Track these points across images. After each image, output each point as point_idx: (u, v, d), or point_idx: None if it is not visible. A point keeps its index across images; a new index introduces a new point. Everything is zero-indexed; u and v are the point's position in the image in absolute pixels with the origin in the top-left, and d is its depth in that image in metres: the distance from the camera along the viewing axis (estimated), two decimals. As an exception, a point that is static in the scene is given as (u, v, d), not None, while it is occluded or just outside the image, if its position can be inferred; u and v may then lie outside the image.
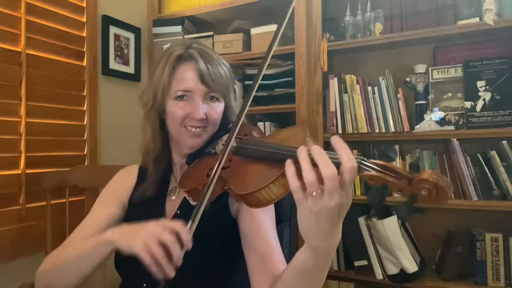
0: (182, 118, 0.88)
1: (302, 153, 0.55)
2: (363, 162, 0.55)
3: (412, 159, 1.68)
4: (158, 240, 0.66)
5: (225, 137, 0.89)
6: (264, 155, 0.72)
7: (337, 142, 0.53)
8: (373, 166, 0.55)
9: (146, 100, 0.94)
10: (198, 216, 0.71)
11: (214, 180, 0.72)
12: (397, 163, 1.65)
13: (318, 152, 0.54)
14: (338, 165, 0.53)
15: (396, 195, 0.55)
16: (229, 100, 0.96)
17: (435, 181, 0.51)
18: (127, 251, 0.71)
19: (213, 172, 0.73)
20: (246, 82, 1.93)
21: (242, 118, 0.75)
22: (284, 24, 0.76)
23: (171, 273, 0.66)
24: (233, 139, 0.76)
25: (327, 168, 0.52)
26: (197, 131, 0.88)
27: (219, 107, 0.92)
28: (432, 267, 1.66)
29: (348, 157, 0.52)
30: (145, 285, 0.85)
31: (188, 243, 0.67)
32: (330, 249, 0.60)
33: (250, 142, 0.79)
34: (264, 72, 0.78)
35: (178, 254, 0.66)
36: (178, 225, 0.68)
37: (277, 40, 0.77)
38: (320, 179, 0.52)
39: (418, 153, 1.67)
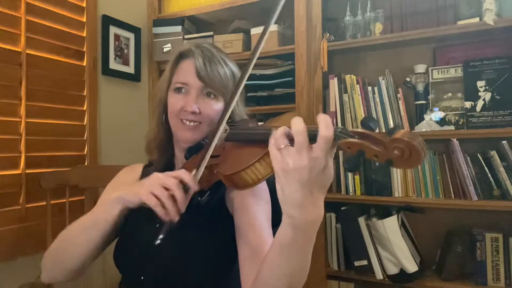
0: (178, 110, 0.91)
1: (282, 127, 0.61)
2: (341, 130, 0.57)
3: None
4: (162, 185, 0.74)
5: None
6: (252, 137, 0.74)
7: (321, 117, 0.58)
8: (350, 133, 0.56)
9: (155, 94, 1.01)
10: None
11: (205, 161, 0.74)
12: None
13: (295, 118, 0.59)
14: (316, 133, 0.56)
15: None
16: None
17: (408, 140, 0.49)
18: (134, 201, 0.78)
19: (203, 155, 0.75)
20: (247, 82, 1.93)
21: (232, 105, 0.79)
22: (273, 21, 0.80)
23: (175, 216, 0.73)
24: (223, 124, 0.77)
25: (296, 124, 0.57)
26: (190, 125, 0.91)
27: (216, 105, 0.93)
28: (432, 267, 1.66)
29: (326, 126, 0.56)
30: (142, 278, 0.87)
31: (191, 184, 0.74)
32: (307, 223, 0.60)
33: (240, 127, 0.82)
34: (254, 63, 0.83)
35: (181, 196, 0.73)
36: (180, 171, 0.75)
37: (264, 39, 0.80)
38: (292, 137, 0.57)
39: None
